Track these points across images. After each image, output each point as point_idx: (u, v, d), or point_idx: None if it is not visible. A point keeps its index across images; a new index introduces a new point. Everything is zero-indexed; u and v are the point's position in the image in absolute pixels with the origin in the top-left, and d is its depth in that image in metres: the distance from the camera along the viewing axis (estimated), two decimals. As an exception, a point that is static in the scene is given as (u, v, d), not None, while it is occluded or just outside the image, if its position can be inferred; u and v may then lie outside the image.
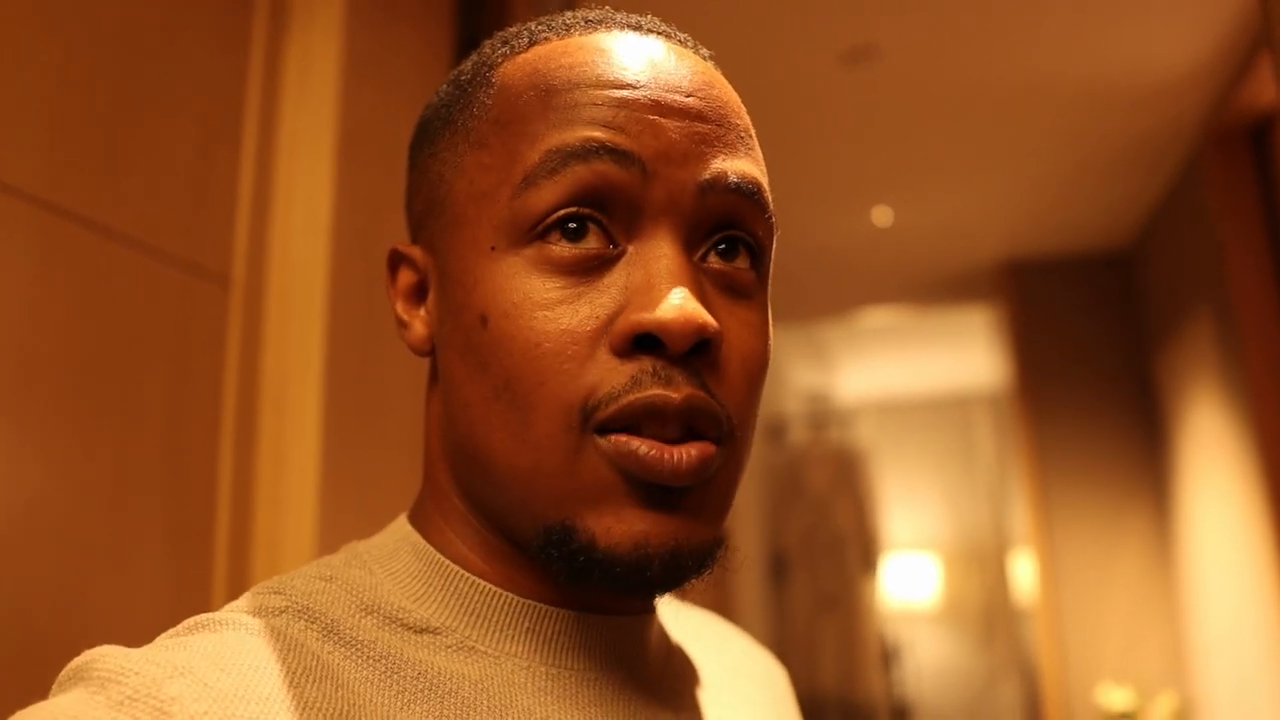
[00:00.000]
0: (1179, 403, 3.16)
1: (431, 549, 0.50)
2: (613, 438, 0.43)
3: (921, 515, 6.52)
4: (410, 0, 1.47)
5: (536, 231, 0.44)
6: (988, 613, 6.33)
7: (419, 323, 0.52)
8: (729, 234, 0.47)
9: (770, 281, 0.51)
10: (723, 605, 3.66)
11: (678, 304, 0.42)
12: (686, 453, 0.43)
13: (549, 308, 0.44)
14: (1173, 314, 3.16)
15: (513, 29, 0.52)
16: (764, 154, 0.51)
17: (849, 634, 5.01)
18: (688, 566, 0.44)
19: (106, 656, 0.40)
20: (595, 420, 0.43)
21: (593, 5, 0.53)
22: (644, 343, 0.43)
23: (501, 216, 0.45)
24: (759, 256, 0.49)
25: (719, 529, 0.47)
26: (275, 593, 0.47)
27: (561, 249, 0.44)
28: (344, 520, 1.19)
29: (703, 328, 0.42)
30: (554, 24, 0.50)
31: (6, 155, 0.89)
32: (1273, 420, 2.42)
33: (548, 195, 0.44)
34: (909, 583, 6.37)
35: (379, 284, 1.31)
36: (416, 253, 0.52)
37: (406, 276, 0.53)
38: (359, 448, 1.24)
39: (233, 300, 1.17)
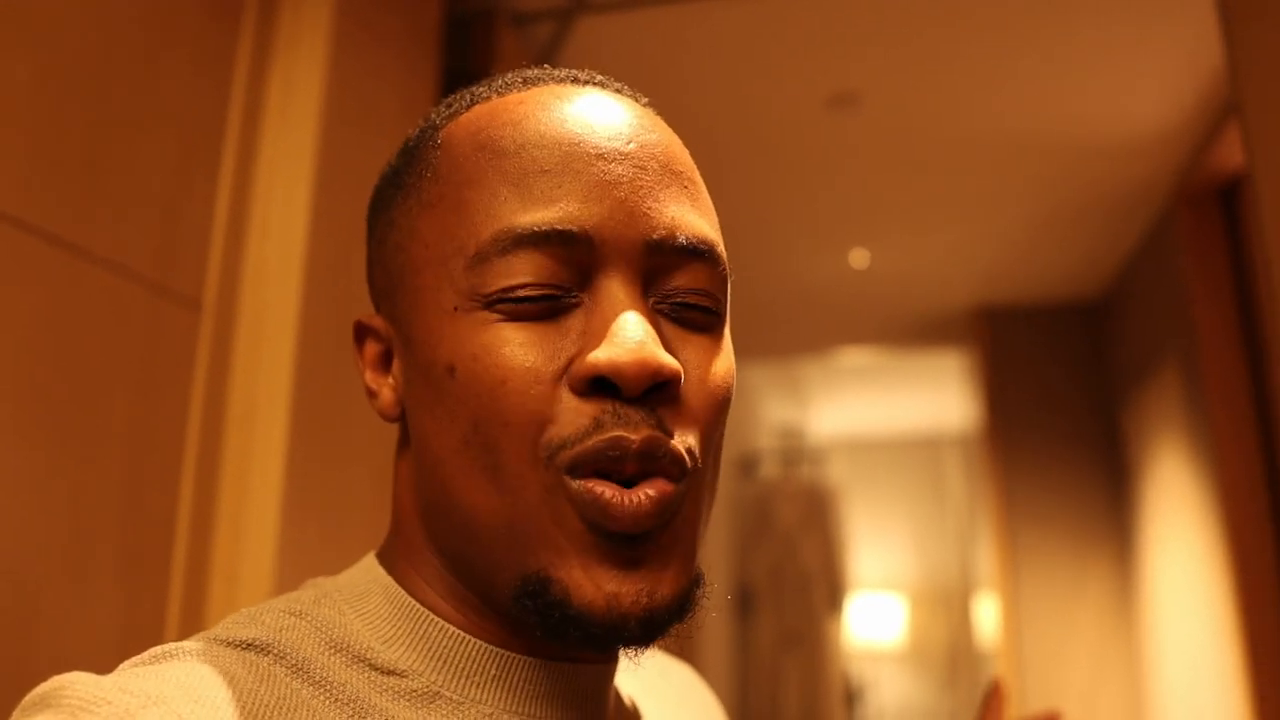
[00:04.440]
0: (1144, 451, 3.19)
1: (403, 592, 0.50)
2: (582, 481, 0.44)
3: (889, 555, 6.53)
4: (396, 31, 1.47)
5: (495, 296, 0.46)
6: (952, 654, 6.34)
7: (387, 389, 0.52)
8: (681, 281, 0.48)
9: (728, 320, 0.52)
10: (686, 640, 3.63)
11: (633, 347, 0.43)
12: (645, 494, 0.44)
13: (514, 346, 0.45)
14: (1141, 365, 3.20)
15: (455, 94, 0.54)
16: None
17: (813, 672, 5.00)
18: (665, 620, 0.45)
19: (77, 684, 0.39)
20: (561, 459, 0.44)
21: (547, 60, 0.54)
22: (601, 384, 0.44)
23: (459, 282, 0.47)
24: (713, 302, 0.50)
25: (690, 571, 0.47)
26: (244, 625, 0.46)
27: (522, 304, 0.46)
28: (305, 550, 1.18)
29: (658, 370, 0.44)
30: (493, 84, 0.52)
31: (-21, 173, 0.88)
32: (1235, 473, 2.45)
33: (501, 272, 0.46)
34: (874, 622, 6.37)
35: (351, 313, 1.31)
36: (379, 323, 0.53)
37: (373, 347, 0.53)
38: (324, 478, 1.23)
39: (203, 325, 1.16)
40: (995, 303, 3.76)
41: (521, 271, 0.45)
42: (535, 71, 0.52)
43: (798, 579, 5.14)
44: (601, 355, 0.43)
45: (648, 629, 0.44)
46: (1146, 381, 3.14)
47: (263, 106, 1.27)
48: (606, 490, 0.43)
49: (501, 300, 0.45)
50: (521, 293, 0.45)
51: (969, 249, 3.30)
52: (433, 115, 0.53)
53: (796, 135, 2.51)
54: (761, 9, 1.99)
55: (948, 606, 6.41)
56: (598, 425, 0.44)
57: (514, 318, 0.45)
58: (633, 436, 0.43)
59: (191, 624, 1.11)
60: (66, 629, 0.96)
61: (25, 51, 0.93)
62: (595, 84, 0.52)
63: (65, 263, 0.97)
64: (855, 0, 1.96)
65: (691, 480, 0.46)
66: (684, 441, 0.46)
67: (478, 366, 0.45)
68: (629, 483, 0.44)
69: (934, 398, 5.69)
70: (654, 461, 0.44)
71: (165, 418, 1.10)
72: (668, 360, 0.44)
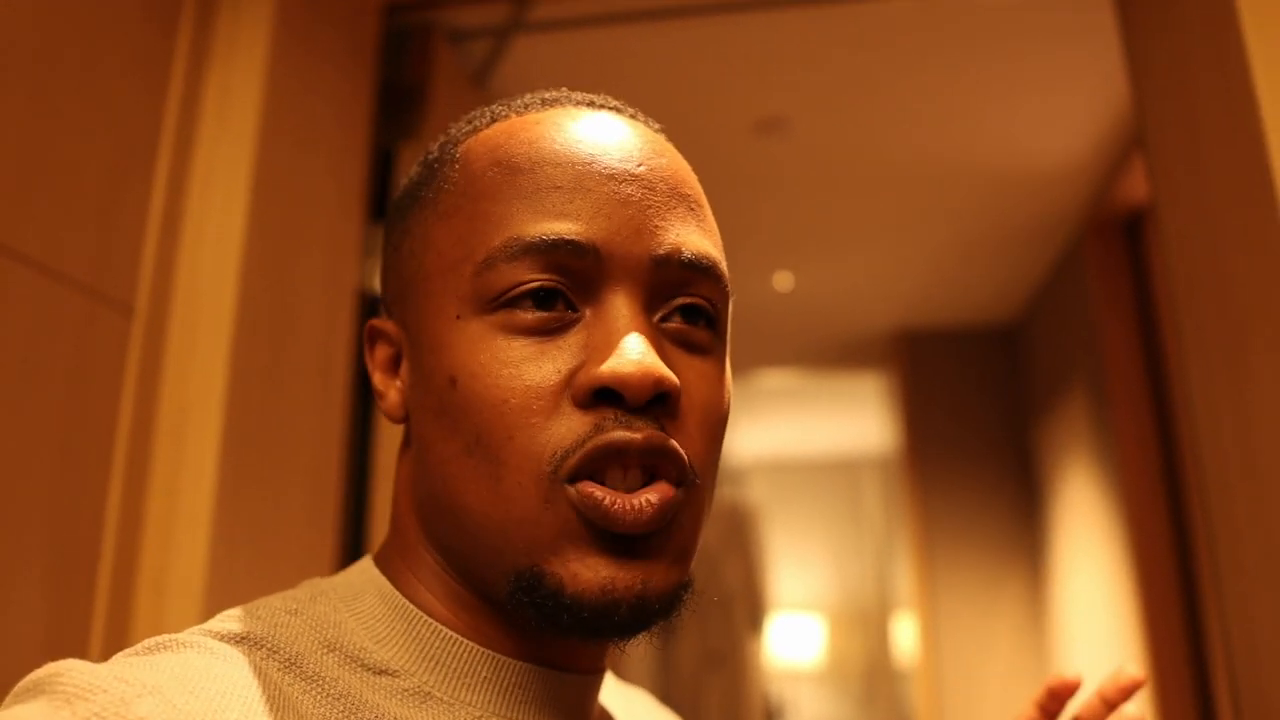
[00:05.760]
0: (1055, 472, 3.31)
1: (397, 593, 0.50)
2: (579, 485, 0.45)
3: (808, 576, 6.61)
4: (333, 43, 1.47)
5: (499, 302, 0.47)
6: (870, 673, 6.43)
7: (394, 392, 0.54)
8: (686, 301, 0.50)
9: (728, 341, 0.54)
10: (609, 658, 3.63)
11: (635, 359, 0.45)
12: (646, 499, 0.45)
13: (514, 365, 0.46)
14: (1052, 388, 3.32)
15: (476, 110, 0.56)
16: None
17: (734, 691, 5.02)
18: (654, 610, 0.46)
19: (72, 671, 0.39)
20: (565, 469, 0.45)
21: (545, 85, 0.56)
22: (604, 395, 0.45)
23: (465, 289, 0.48)
24: (716, 319, 0.51)
25: (684, 572, 0.48)
26: (239, 620, 0.47)
27: (524, 315, 0.47)
28: (236, 562, 1.17)
29: (660, 381, 0.45)
30: (514, 103, 0.54)
31: (-92, 169, 0.86)
32: (1141, 492, 2.55)
33: (509, 277, 0.47)
34: (794, 642, 6.43)
35: (286, 322, 1.30)
36: (391, 326, 0.54)
37: (384, 350, 0.55)
38: (256, 488, 1.22)
39: (135, 329, 1.14)
40: (914, 327, 3.86)
41: (529, 277, 0.47)
42: (554, 94, 0.54)
43: (719, 599, 5.17)
44: (605, 367, 0.45)
45: (637, 616, 0.45)
46: (1057, 403, 3.25)
47: (199, 113, 1.25)
48: (605, 495, 0.45)
49: (505, 305, 0.47)
50: (525, 288, 0.46)
51: (890, 274, 3.39)
52: (453, 130, 0.55)
53: (725, 159, 2.56)
54: (693, 34, 2.03)
55: (865, 626, 6.51)
56: (597, 429, 0.45)
57: (515, 329, 0.47)
58: (636, 436, 0.45)
59: (117, 637, 1.08)
60: (-13, 640, 0.93)
61: (-42, 48, 0.91)
62: (610, 108, 0.54)
63: (-7, 264, 0.95)
64: (785, 27, 2.02)
65: (691, 489, 0.48)
66: (685, 451, 0.47)
67: (478, 385, 0.46)
68: (632, 488, 0.45)
69: (853, 420, 5.80)
70: (658, 458, 0.46)
71: (94, 424, 1.08)
72: (669, 372, 0.46)
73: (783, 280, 3.41)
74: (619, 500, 0.45)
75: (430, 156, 0.55)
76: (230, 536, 1.16)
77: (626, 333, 0.46)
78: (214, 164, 1.23)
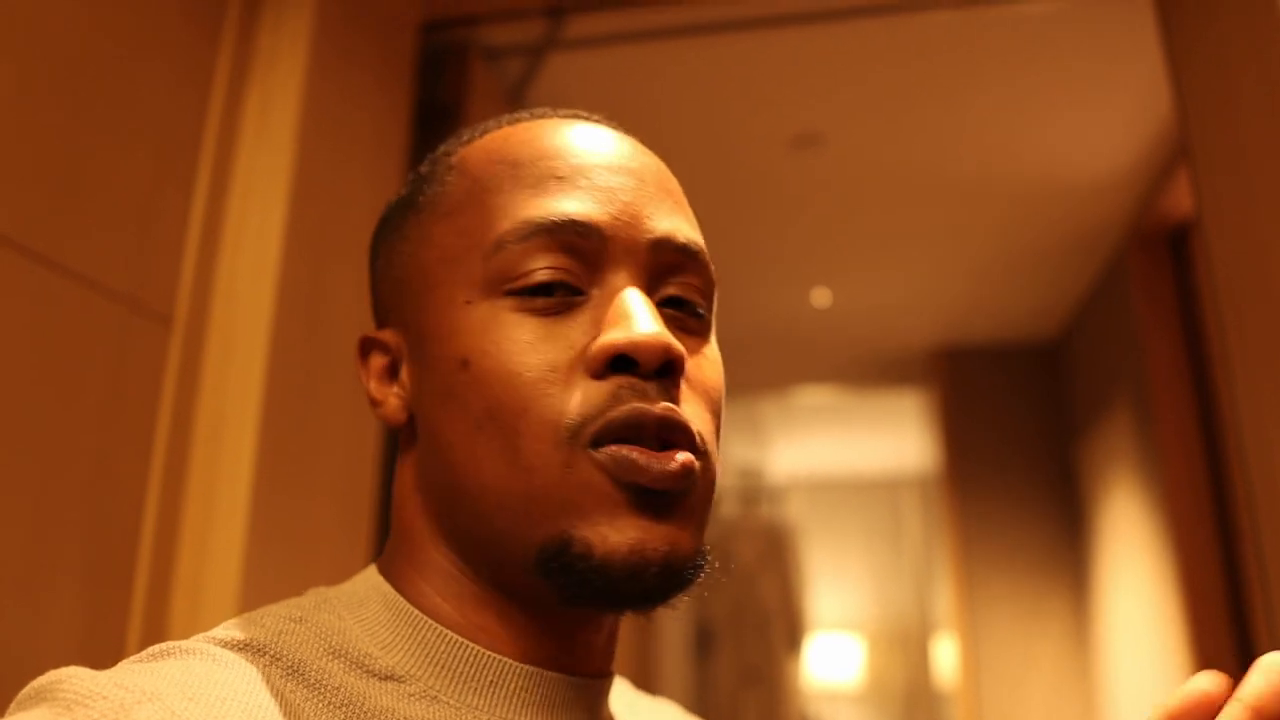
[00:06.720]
0: (1098, 490, 3.25)
1: (401, 599, 0.50)
2: (608, 448, 0.46)
3: (847, 595, 6.55)
4: (371, 59, 1.49)
5: (511, 286, 0.49)
6: (909, 694, 6.34)
7: (393, 398, 0.54)
8: (678, 284, 0.52)
9: (714, 333, 0.55)
10: (646, 676, 3.61)
11: (647, 326, 0.47)
12: (673, 457, 0.46)
13: (527, 342, 0.48)
14: (1095, 404, 3.27)
15: (463, 129, 0.59)
16: (713, 234, 0.58)
17: (772, 711, 4.97)
18: (680, 574, 0.46)
19: (74, 678, 0.40)
20: (585, 435, 0.46)
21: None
22: (618, 364, 0.47)
23: (475, 275, 0.50)
24: (704, 306, 0.54)
25: (701, 539, 0.49)
26: (243, 627, 0.47)
27: (535, 298, 0.48)
28: (270, 567, 1.17)
29: (669, 347, 0.47)
30: (502, 119, 0.57)
31: (-45, 180, 0.88)
32: (1187, 510, 2.50)
33: (520, 258, 0.49)
34: (832, 662, 6.36)
35: (322, 333, 1.31)
36: (388, 335, 0.55)
37: (378, 359, 0.56)
38: (291, 496, 1.23)
39: (173, 339, 1.16)
40: (954, 343, 3.82)
41: (538, 259, 0.49)
42: (540, 110, 0.57)
43: (757, 617, 5.13)
44: (619, 335, 0.47)
45: (665, 580, 0.46)
46: (1100, 420, 3.20)
47: (239, 126, 1.28)
48: (635, 452, 0.45)
49: (518, 291, 0.48)
50: (539, 276, 0.48)
51: (929, 290, 3.36)
52: (441, 148, 0.58)
53: (761, 174, 2.55)
54: (729, 50, 2.03)
55: (905, 646, 6.43)
56: (615, 398, 0.46)
57: (526, 310, 0.48)
58: (652, 408, 0.46)
59: (153, 643, 1.09)
60: (26, 643, 0.94)
61: (1, 62, 0.94)
62: (594, 121, 0.57)
63: (36, 274, 0.97)
64: (821, 43, 2.01)
65: (703, 463, 0.49)
66: (694, 423, 0.48)
67: (490, 362, 0.47)
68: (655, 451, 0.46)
69: (892, 438, 5.75)
70: (673, 433, 0.47)
71: (133, 432, 1.10)
72: (676, 341, 0.47)
73: (820, 296, 3.40)
74: (648, 455, 0.46)
75: (422, 170, 0.57)
76: (265, 543, 1.16)
77: (634, 305, 0.48)
78: (253, 176, 1.25)
